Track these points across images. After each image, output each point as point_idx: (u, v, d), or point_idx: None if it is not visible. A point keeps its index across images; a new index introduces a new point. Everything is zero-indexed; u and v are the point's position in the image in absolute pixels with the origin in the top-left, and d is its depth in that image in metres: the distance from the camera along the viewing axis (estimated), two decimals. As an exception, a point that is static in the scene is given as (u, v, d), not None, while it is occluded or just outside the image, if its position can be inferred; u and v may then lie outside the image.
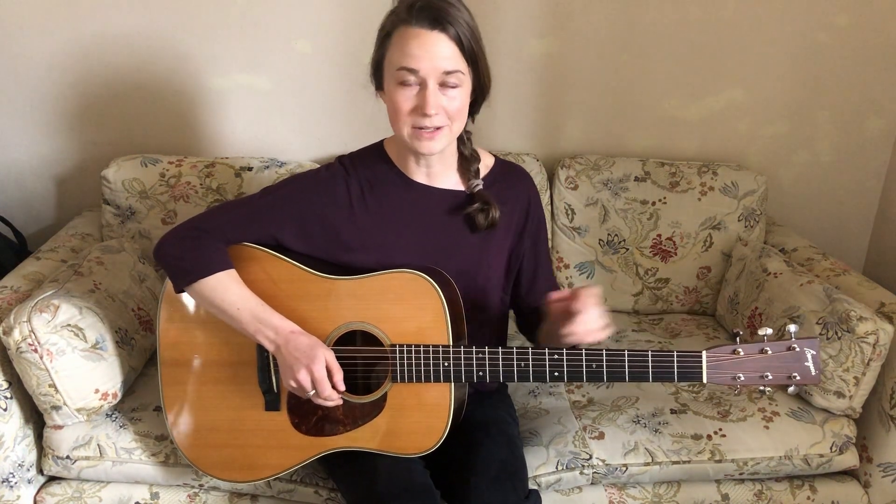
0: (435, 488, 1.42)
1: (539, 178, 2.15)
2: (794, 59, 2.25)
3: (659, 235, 2.15)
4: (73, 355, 1.56)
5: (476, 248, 1.50)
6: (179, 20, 2.13)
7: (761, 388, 1.34)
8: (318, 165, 2.13)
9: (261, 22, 2.15)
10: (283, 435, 1.47)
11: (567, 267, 2.19)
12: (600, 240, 2.16)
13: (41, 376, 1.54)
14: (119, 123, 2.23)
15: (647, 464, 1.64)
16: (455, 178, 1.50)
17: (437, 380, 1.38)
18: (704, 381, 1.32)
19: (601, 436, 1.67)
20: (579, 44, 2.21)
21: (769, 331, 1.30)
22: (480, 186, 1.48)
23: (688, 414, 1.73)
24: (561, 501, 1.66)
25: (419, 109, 1.33)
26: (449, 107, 1.34)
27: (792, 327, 1.31)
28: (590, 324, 1.29)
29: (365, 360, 1.45)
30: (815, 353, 1.30)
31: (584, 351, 1.34)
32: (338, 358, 1.38)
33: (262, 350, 1.44)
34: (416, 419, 1.40)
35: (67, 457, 1.63)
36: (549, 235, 2.18)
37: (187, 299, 1.49)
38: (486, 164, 1.53)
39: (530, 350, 1.36)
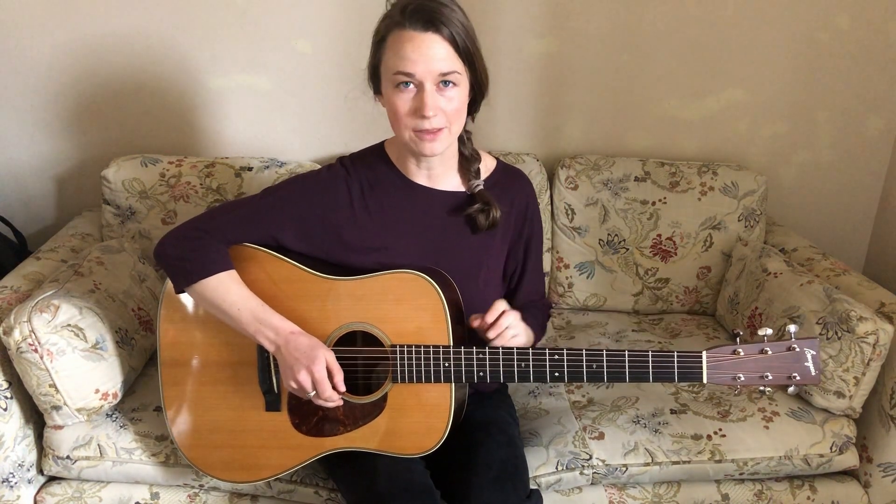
0: (435, 488, 1.42)
1: (539, 178, 2.15)
2: (794, 59, 2.25)
3: (659, 235, 2.15)
4: (74, 355, 1.56)
5: (477, 249, 1.50)
6: (179, 20, 2.13)
7: (761, 388, 1.34)
8: (319, 165, 2.14)
9: (261, 22, 2.15)
10: (283, 435, 1.47)
11: (567, 267, 2.19)
12: (600, 240, 2.16)
13: (41, 376, 1.54)
14: (119, 123, 2.23)
15: (647, 464, 1.64)
16: (456, 179, 1.50)
17: (437, 380, 1.38)
18: (704, 381, 1.32)
19: (601, 436, 1.67)
20: (579, 44, 2.21)
21: (769, 331, 1.30)
22: (481, 186, 1.48)
23: (688, 414, 1.73)
24: (561, 502, 1.66)
25: (418, 112, 1.33)
26: (447, 107, 1.34)
27: (792, 327, 1.31)
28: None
29: (365, 361, 1.45)
30: (814, 353, 1.30)
31: (584, 351, 1.34)
32: (338, 358, 1.38)
33: (262, 350, 1.44)
34: (417, 419, 1.40)
35: (67, 457, 1.63)
36: (549, 235, 2.18)
37: (187, 300, 1.49)
38: (487, 166, 1.53)
39: (530, 350, 1.36)
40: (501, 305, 1.38)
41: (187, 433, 1.52)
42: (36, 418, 1.67)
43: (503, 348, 1.36)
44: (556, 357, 1.34)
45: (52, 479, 1.71)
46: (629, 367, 1.33)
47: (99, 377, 1.61)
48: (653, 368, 1.33)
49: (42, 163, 2.27)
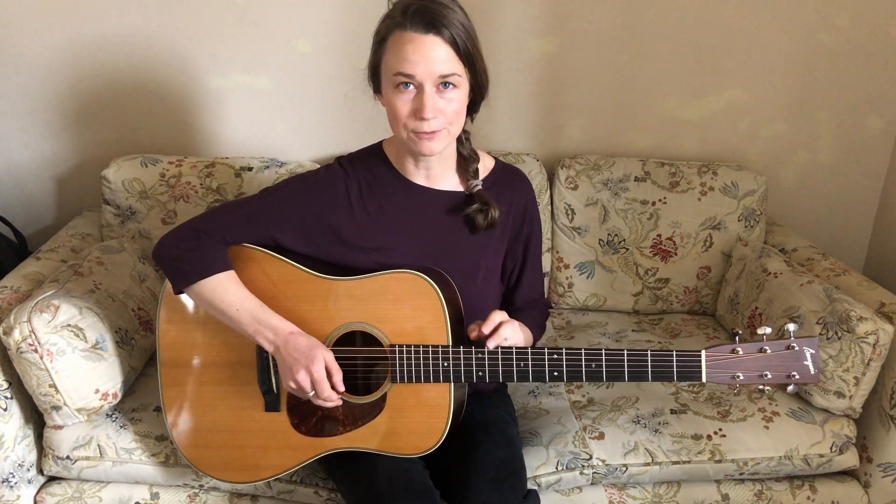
0: (434, 488, 1.42)
1: (539, 178, 2.15)
2: (794, 59, 2.25)
3: (659, 235, 2.15)
4: (74, 355, 1.56)
5: (475, 249, 1.50)
6: (179, 20, 2.14)
7: (761, 387, 1.34)
8: (318, 165, 2.13)
9: (261, 22, 2.15)
10: (282, 436, 1.47)
11: (567, 267, 2.19)
12: (600, 240, 2.16)
13: (41, 376, 1.54)
14: (119, 123, 2.23)
15: (647, 464, 1.64)
16: (454, 178, 1.50)
17: (436, 380, 1.38)
18: (704, 380, 1.32)
19: (601, 436, 1.67)
20: (579, 44, 2.21)
21: (768, 330, 1.30)
22: (479, 186, 1.48)
23: (688, 414, 1.72)
24: (561, 502, 1.66)
25: (417, 113, 1.33)
26: (447, 109, 1.34)
27: (791, 326, 1.31)
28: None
29: (364, 361, 1.45)
30: (814, 352, 1.30)
31: (583, 351, 1.34)
32: (337, 358, 1.38)
33: (261, 351, 1.44)
34: (416, 419, 1.40)
35: (67, 457, 1.63)
36: (549, 235, 2.18)
37: (187, 300, 1.49)
38: (486, 165, 1.53)
39: (530, 350, 1.36)
40: (498, 316, 1.38)
41: (187, 433, 1.52)
42: (36, 418, 1.67)
43: (502, 348, 1.36)
44: (556, 357, 1.34)
45: (52, 479, 1.71)
46: (628, 366, 1.33)
47: (99, 377, 1.61)
48: (652, 368, 1.33)
49: (42, 163, 2.27)
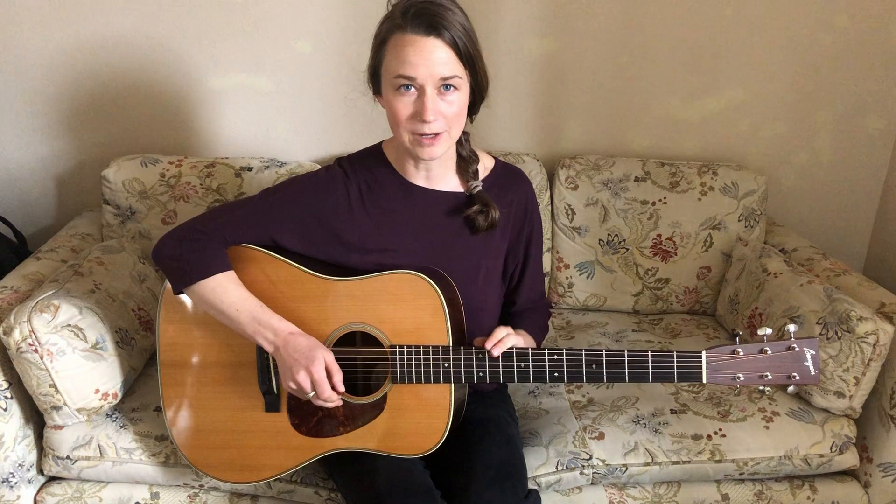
0: (435, 488, 1.42)
1: (539, 178, 2.15)
2: (794, 59, 2.25)
3: (659, 235, 2.15)
4: (74, 355, 1.56)
5: (476, 250, 1.50)
6: (179, 20, 2.14)
7: (761, 387, 1.34)
8: (318, 166, 2.14)
9: (261, 22, 2.15)
10: (283, 436, 1.47)
11: (567, 267, 2.19)
12: (600, 240, 2.16)
13: (41, 376, 1.54)
14: (119, 123, 2.23)
15: (647, 464, 1.64)
16: (454, 179, 1.50)
17: (436, 381, 1.38)
18: (704, 381, 1.32)
19: (601, 436, 1.67)
20: (579, 44, 2.21)
21: (769, 331, 1.31)
22: (480, 188, 1.48)
23: (688, 414, 1.73)
24: (561, 502, 1.66)
25: (418, 115, 1.32)
26: (447, 112, 1.33)
27: (791, 327, 1.31)
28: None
29: (364, 361, 1.45)
30: (814, 352, 1.30)
31: (583, 351, 1.34)
32: (337, 359, 1.38)
33: (261, 351, 1.44)
34: (417, 420, 1.40)
35: (68, 457, 1.63)
36: (549, 235, 2.18)
37: (187, 300, 1.49)
38: (486, 165, 1.53)
39: (530, 351, 1.36)
40: (503, 332, 1.38)
41: (187, 434, 1.52)
42: (36, 418, 1.67)
43: (517, 348, 1.37)
44: (556, 357, 1.35)
45: (52, 479, 1.71)
46: (629, 367, 1.33)
47: (99, 377, 1.61)
48: (652, 368, 1.33)
49: (42, 163, 2.27)
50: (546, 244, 2.15)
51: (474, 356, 1.36)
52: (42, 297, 1.58)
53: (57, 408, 1.58)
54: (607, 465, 1.63)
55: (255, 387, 1.46)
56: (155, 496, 1.67)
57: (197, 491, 1.67)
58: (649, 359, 1.33)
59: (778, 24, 2.21)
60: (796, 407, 1.74)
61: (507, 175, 1.54)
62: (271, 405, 1.47)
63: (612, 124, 2.30)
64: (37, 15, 2.12)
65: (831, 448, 1.68)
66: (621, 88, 2.26)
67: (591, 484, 1.67)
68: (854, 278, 1.87)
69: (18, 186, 2.29)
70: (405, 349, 1.38)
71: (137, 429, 1.65)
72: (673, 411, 1.73)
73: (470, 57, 1.33)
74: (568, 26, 2.19)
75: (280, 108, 2.24)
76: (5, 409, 1.59)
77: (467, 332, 1.44)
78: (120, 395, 1.67)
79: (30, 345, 1.51)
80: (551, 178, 2.20)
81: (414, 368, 1.38)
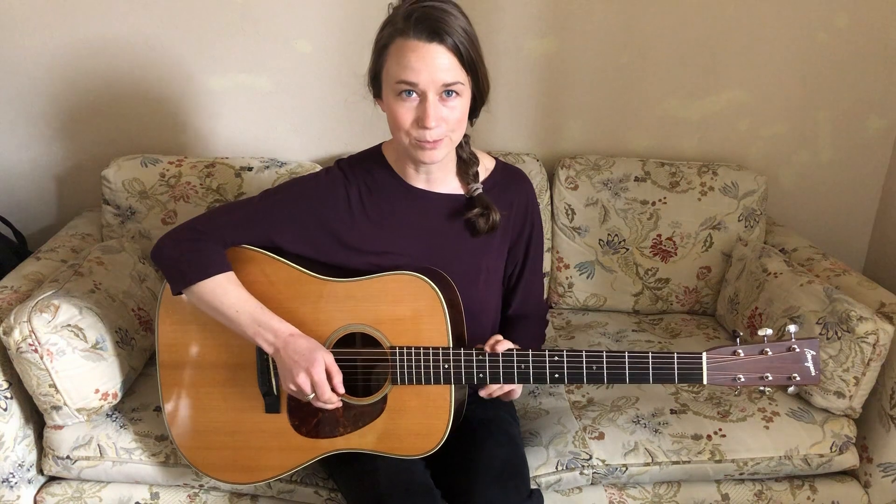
0: (436, 488, 1.42)
1: (539, 178, 2.15)
2: (794, 59, 2.25)
3: (659, 235, 2.15)
4: (74, 355, 1.56)
5: (477, 252, 1.49)
6: (179, 20, 2.13)
7: (761, 388, 1.34)
8: (319, 166, 2.14)
9: (261, 22, 2.15)
10: (283, 437, 1.47)
11: (567, 267, 2.19)
12: (600, 240, 2.16)
13: (41, 376, 1.54)
14: (119, 123, 2.23)
15: (647, 464, 1.64)
16: (455, 182, 1.50)
17: (436, 382, 1.38)
18: (705, 382, 1.32)
19: (601, 436, 1.67)
20: (579, 44, 2.21)
21: (769, 331, 1.30)
22: (480, 190, 1.47)
23: (688, 414, 1.73)
24: (561, 502, 1.66)
25: (420, 121, 1.31)
26: (449, 117, 1.33)
27: (792, 328, 1.30)
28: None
29: (364, 362, 1.45)
30: (814, 353, 1.30)
31: (584, 353, 1.34)
32: (337, 360, 1.38)
33: (261, 352, 1.43)
34: (417, 421, 1.40)
35: (67, 457, 1.63)
36: (549, 235, 2.18)
37: (185, 302, 1.48)
38: (486, 167, 1.52)
39: (530, 352, 1.36)
40: (501, 346, 1.38)
41: (187, 434, 1.52)
42: (36, 418, 1.67)
43: (517, 350, 1.36)
44: (556, 358, 1.34)
45: (52, 479, 1.71)
46: (629, 368, 1.33)
47: (99, 377, 1.61)
48: (653, 370, 1.33)
49: (42, 163, 2.27)
50: (546, 244, 2.15)
51: (474, 357, 1.36)
52: (42, 297, 1.58)
53: (57, 408, 1.58)
54: (607, 465, 1.63)
55: (254, 388, 1.46)
56: (155, 496, 1.67)
57: (197, 491, 1.67)
58: (650, 360, 1.33)
59: (778, 24, 2.21)
60: (796, 407, 1.74)
61: (508, 176, 1.54)
62: (271, 406, 1.47)
63: (612, 124, 2.30)
64: (37, 15, 2.12)
65: (831, 448, 1.68)
66: (621, 88, 2.26)
67: (591, 484, 1.67)
68: (854, 278, 1.87)
69: (18, 186, 2.29)
70: (405, 350, 1.38)
71: (137, 429, 1.65)
72: (673, 411, 1.73)
73: (472, 62, 1.32)
74: (568, 26, 2.19)
75: (280, 108, 2.24)
76: (5, 409, 1.59)
77: (468, 334, 1.44)
78: (120, 395, 1.67)
79: (30, 345, 1.51)
80: (551, 178, 2.20)
81: (414, 370, 1.38)
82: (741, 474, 1.68)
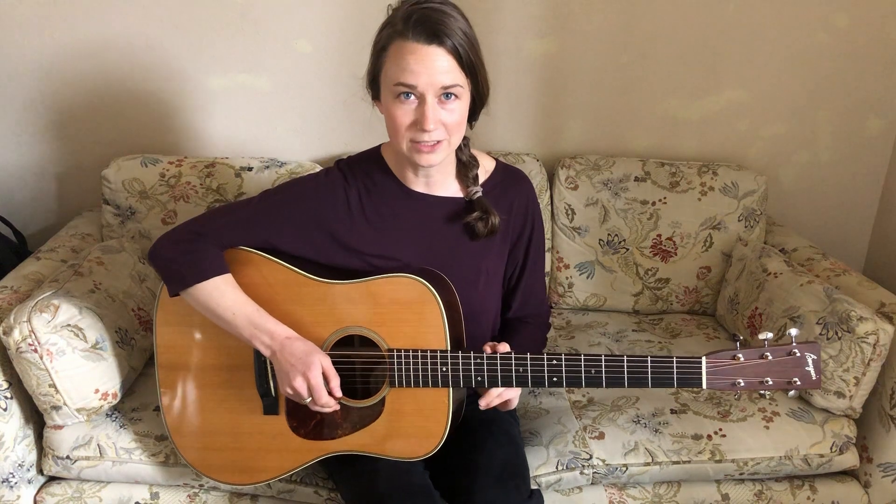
0: (434, 489, 1.42)
1: (539, 178, 2.15)
2: (794, 59, 2.25)
3: (659, 235, 2.15)
4: (73, 355, 1.56)
5: (476, 256, 1.49)
6: (179, 20, 2.13)
7: (761, 391, 1.33)
8: (319, 166, 2.14)
9: (261, 22, 2.15)
10: (281, 439, 1.47)
11: (567, 267, 2.19)
12: (600, 240, 2.16)
13: (41, 376, 1.54)
14: (119, 123, 2.23)
15: (647, 464, 1.64)
16: (454, 185, 1.49)
17: (434, 385, 1.37)
18: (704, 387, 1.31)
19: (601, 436, 1.67)
20: (579, 44, 2.21)
21: (769, 335, 1.28)
22: (479, 193, 1.47)
23: (688, 414, 1.73)
24: (561, 501, 1.66)
25: (418, 124, 1.31)
26: (448, 120, 1.32)
27: (793, 331, 1.29)
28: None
29: (363, 364, 1.44)
30: (815, 357, 1.29)
31: (582, 357, 1.33)
32: (335, 362, 1.38)
33: (259, 354, 1.43)
34: (415, 423, 1.40)
35: (67, 457, 1.63)
36: (549, 235, 2.18)
37: (183, 303, 1.48)
38: (486, 168, 1.52)
39: (529, 356, 1.35)
40: (502, 348, 1.38)
41: (186, 435, 1.52)
42: (36, 418, 1.67)
43: (501, 353, 1.36)
44: (555, 362, 1.33)
45: (52, 479, 1.71)
46: (628, 372, 1.32)
47: (99, 377, 1.61)
48: (652, 374, 1.32)
49: (42, 163, 2.27)
50: (546, 244, 2.14)
51: (472, 361, 1.35)
52: (42, 297, 1.58)
53: (57, 408, 1.58)
54: (607, 464, 1.63)
55: (253, 389, 1.46)
56: (155, 496, 1.67)
57: (197, 491, 1.67)
58: (649, 365, 1.32)
59: (778, 24, 2.21)
60: (796, 407, 1.74)
61: (508, 177, 1.54)
62: (270, 408, 1.46)
63: (612, 124, 2.30)
64: (37, 15, 2.11)
65: (831, 448, 1.68)
66: (621, 88, 2.26)
67: (591, 484, 1.67)
68: (854, 278, 1.87)
69: (18, 186, 2.29)
70: (403, 353, 1.37)
71: (137, 429, 1.65)
72: (673, 411, 1.73)
73: (471, 65, 1.32)
74: (568, 26, 2.19)
75: (280, 108, 2.24)
76: (5, 409, 1.59)
77: (467, 337, 1.44)
78: (119, 394, 1.67)
79: (29, 345, 1.51)
80: (551, 178, 2.20)
81: (412, 373, 1.37)
82: (741, 474, 1.68)
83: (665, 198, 2.14)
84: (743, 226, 2.15)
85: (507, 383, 1.36)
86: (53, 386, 1.55)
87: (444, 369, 1.36)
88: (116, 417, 1.68)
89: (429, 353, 1.36)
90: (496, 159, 1.56)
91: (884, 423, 1.72)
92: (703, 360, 1.31)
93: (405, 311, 1.38)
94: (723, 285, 2.15)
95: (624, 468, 1.64)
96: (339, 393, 1.37)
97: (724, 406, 1.75)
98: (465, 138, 1.46)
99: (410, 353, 1.37)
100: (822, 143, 2.35)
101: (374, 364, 1.42)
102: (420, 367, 1.37)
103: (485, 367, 1.35)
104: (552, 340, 2.02)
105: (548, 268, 2.18)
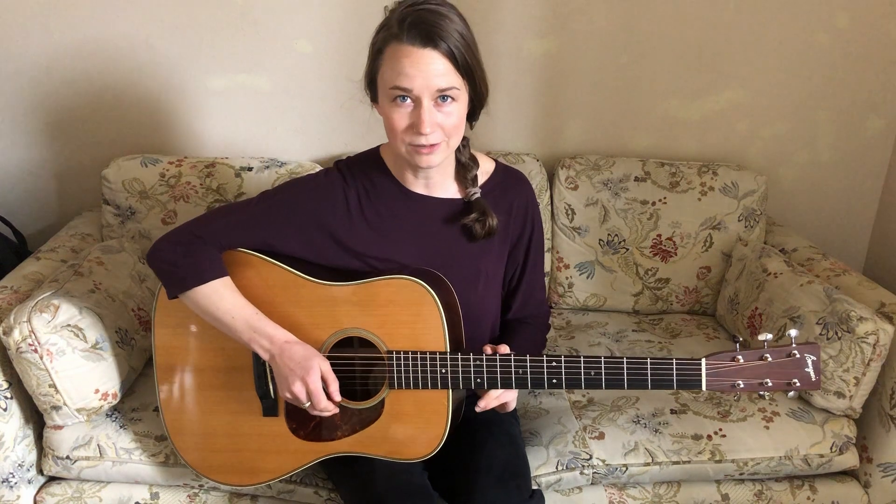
0: (433, 490, 1.42)
1: (539, 178, 2.15)
2: (794, 59, 2.25)
3: (659, 235, 2.15)
4: (73, 355, 1.56)
5: (476, 256, 1.49)
6: (180, 20, 2.13)
7: (761, 392, 1.33)
8: (318, 166, 2.14)
9: (261, 22, 2.15)
10: (281, 440, 1.46)
11: (567, 267, 2.19)
12: (600, 240, 2.16)
13: (41, 376, 1.54)
14: (119, 123, 2.23)
15: (647, 464, 1.64)
16: (453, 186, 1.49)
17: (434, 386, 1.37)
18: (704, 388, 1.31)
19: (601, 436, 1.67)
20: (579, 44, 2.21)
21: (769, 336, 1.29)
22: (478, 195, 1.46)
23: (688, 414, 1.73)
24: (561, 501, 1.66)
25: (415, 127, 1.30)
26: (445, 122, 1.31)
27: (793, 332, 1.29)
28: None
29: (362, 366, 1.44)
30: (815, 358, 1.28)
31: (582, 358, 1.33)
32: (334, 364, 1.38)
33: (258, 356, 1.42)
34: (415, 425, 1.40)
35: (67, 457, 1.63)
36: (549, 235, 2.18)
37: (181, 304, 1.47)
38: (485, 169, 1.51)
39: (528, 357, 1.35)
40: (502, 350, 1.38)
41: (185, 437, 1.51)
42: (36, 418, 1.67)
43: (500, 355, 1.36)
44: (554, 364, 1.33)
45: (51, 479, 1.71)
46: (627, 374, 1.32)
47: (99, 377, 1.61)
48: (651, 376, 1.32)
49: (42, 163, 2.27)
50: (546, 244, 2.15)
51: (472, 362, 1.35)
52: (42, 297, 1.58)
53: (57, 408, 1.58)
54: (607, 465, 1.63)
55: (252, 391, 1.46)
56: (155, 496, 1.67)
57: (196, 491, 1.67)
58: (648, 367, 1.32)
59: (778, 24, 2.21)
60: (796, 407, 1.74)
61: (508, 179, 1.53)
62: (269, 409, 1.46)
63: (612, 124, 2.30)
64: (37, 15, 2.11)
65: (831, 448, 1.68)
66: (621, 88, 2.26)
67: (591, 484, 1.67)
68: (854, 278, 1.87)
69: (18, 186, 2.29)
70: (402, 355, 1.37)
71: (137, 429, 1.65)
72: (673, 411, 1.73)
73: (468, 67, 1.31)
74: (568, 26, 2.19)
75: (280, 108, 2.24)
76: (5, 409, 1.59)
77: (467, 339, 1.44)
78: (119, 395, 1.67)
79: (29, 345, 1.51)
80: (551, 178, 2.20)
81: (411, 375, 1.37)
82: (741, 474, 1.68)
83: (665, 198, 2.14)
84: (743, 226, 2.15)
85: (506, 385, 1.36)
86: (53, 386, 1.55)
87: (444, 371, 1.36)
88: (116, 417, 1.68)
89: (428, 355, 1.36)
90: (496, 160, 1.55)
91: (884, 424, 1.72)
92: (703, 361, 1.31)
93: (404, 312, 1.37)
94: (723, 285, 2.15)
95: (624, 468, 1.64)
96: (338, 397, 1.36)
97: (724, 406, 1.75)
98: (464, 139, 1.45)
99: (410, 355, 1.37)
100: (822, 143, 2.35)
101: (374, 366, 1.42)
102: (419, 368, 1.36)
103: (484, 369, 1.35)
104: (552, 341, 2.02)
105: (548, 268, 2.18)
